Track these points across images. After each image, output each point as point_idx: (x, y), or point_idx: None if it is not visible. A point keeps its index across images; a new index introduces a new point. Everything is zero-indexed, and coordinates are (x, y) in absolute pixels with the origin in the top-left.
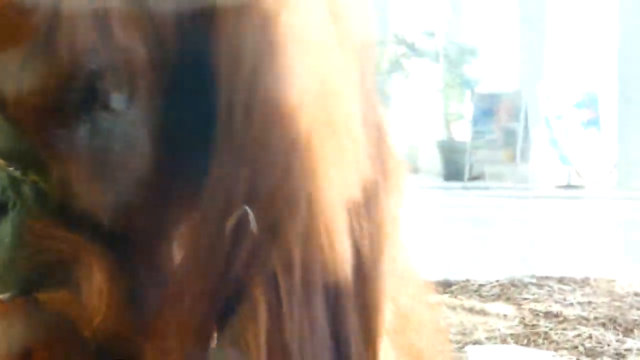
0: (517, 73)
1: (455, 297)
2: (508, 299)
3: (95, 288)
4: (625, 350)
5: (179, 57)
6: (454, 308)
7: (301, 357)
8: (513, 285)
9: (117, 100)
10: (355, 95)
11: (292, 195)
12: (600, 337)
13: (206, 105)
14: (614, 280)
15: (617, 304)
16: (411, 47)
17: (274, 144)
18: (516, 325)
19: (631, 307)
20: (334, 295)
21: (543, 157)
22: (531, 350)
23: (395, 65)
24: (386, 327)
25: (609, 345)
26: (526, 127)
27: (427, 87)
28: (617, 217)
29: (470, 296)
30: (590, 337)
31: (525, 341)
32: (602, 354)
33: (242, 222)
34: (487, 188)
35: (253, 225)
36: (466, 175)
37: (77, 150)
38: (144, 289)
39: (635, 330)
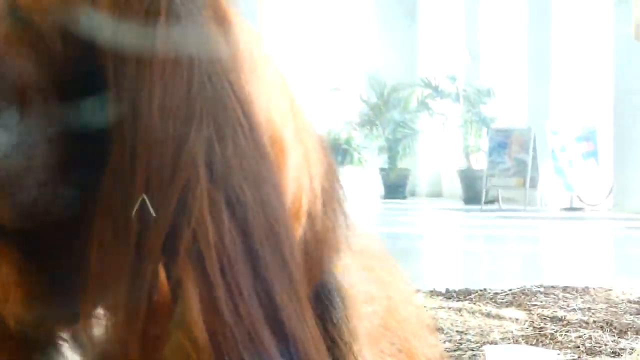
0: (527, 112)
1: (474, 303)
2: (519, 305)
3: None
4: (620, 349)
5: (72, 71)
6: (473, 313)
7: (237, 326)
8: (523, 293)
9: (7, 115)
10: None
11: (190, 179)
12: (599, 338)
13: (102, 113)
14: (610, 289)
15: (613, 309)
16: (435, 90)
17: (164, 139)
18: (526, 328)
19: (625, 312)
20: (256, 260)
21: (549, 183)
22: (539, 349)
23: (422, 105)
24: (369, 328)
25: (606, 345)
26: (535, 158)
27: (449, 124)
28: (613, 235)
29: (487, 303)
30: (590, 338)
31: (534, 341)
32: (600, 352)
33: (145, 209)
34: (501, 210)
35: (152, 211)
36: (483, 199)
37: None
38: (62, 282)
39: (628, 332)
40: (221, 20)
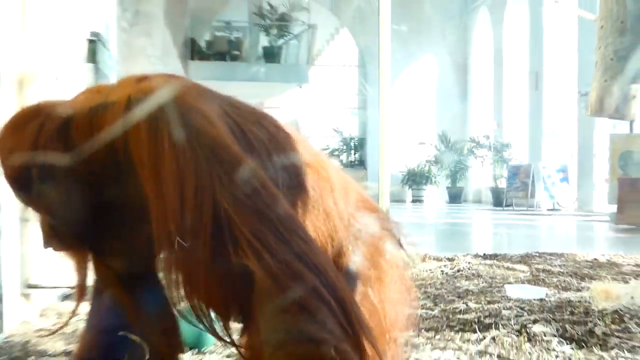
0: (528, 155)
1: (499, 261)
2: (525, 263)
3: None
4: (581, 287)
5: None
6: (498, 267)
7: (284, 269)
8: (527, 256)
9: (44, 180)
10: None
11: (220, 214)
12: (569, 281)
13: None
14: (575, 254)
15: (577, 265)
16: (478, 143)
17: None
18: (528, 275)
19: (584, 267)
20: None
21: (541, 195)
22: (535, 287)
23: (470, 152)
24: (369, 284)
25: (573, 285)
26: (533, 181)
27: (485, 163)
28: (577, 224)
29: (507, 261)
30: (564, 281)
31: (533, 283)
32: (569, 289)
33: (181, 244)
34: (514, 210)
35: (184, 244)
36: (504, 204)
37: (34, 201)
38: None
39: (585, 278)
40: (201, 112)
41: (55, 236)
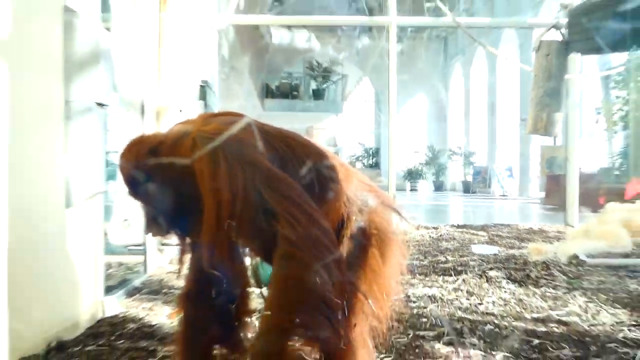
0: (487, 160)
1: (467, 229)
2: (484, 230)
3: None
4: (522, 246)
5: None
6: (467, 233)
7: (307, 235)
8: (486, 226)
9: (145, 183)
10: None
11: (254, 206)
12: (514, 242)
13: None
14: (517, 225)
15: (519, 232)
16: (454, 152)
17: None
18: (487, 239)
19: (523, 233)
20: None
21: (495, 186)
22: (491, 246)
23: (449, 157)
24: (374, 243)
25: (516, 245)
26: (490, 177)
27: (458, 165)
28: (518, 206)
29: (472, 229)
30: (511, 242)
31: (490, 243)
32: (513, 247)
33: (232, 227)
34: (477, 196)
35: (233, 224)
36: (471, 191)
37: (139, 196)
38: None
39: (525, 240)
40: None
41: (154, 224)
